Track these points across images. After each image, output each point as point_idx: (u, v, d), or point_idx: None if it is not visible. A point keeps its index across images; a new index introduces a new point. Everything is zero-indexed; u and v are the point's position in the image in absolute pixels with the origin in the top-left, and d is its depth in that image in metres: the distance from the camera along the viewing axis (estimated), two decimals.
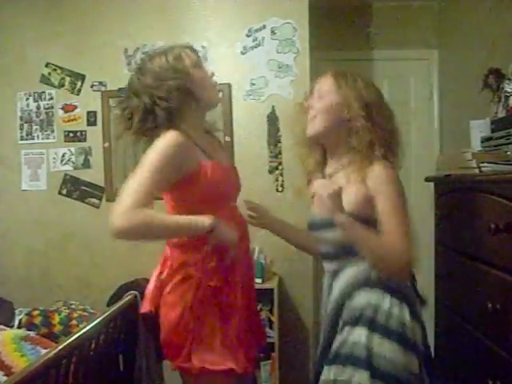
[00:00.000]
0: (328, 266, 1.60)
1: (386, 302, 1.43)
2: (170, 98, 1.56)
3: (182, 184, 1.55)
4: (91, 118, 3.23)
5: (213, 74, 1.69)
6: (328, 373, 1.43)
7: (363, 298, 1.46)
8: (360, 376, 1.36)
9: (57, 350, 1.57)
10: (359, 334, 1.41)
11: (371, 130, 1.49)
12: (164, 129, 1.55)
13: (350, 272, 1.51)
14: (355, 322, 1.44)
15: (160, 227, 1.50)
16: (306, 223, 1.68)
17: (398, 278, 1.46)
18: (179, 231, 1.56)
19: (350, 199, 1.45)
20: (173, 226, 1.52)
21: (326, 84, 1.57)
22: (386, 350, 1.38)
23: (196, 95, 1.61)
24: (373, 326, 1.41)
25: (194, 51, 1.69)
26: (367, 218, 1.44)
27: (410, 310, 1.45)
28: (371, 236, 1.41)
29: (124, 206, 1.44)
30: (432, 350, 2.37)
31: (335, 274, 1.56)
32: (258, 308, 2.96)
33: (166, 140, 1.51)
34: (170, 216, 1.59)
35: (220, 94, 3.06)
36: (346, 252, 1.51)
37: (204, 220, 1.49)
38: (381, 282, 1.45)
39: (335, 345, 1.46)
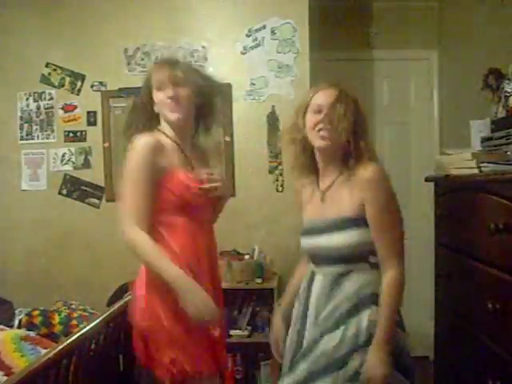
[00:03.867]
0: (326, 270, 1.60)
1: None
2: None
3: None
4: (91, 118, 3.23)
5: (173, 96, 1.68)
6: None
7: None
8: None
9: (57, 350, 1.57)
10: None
11: (366, 143, 1.56)
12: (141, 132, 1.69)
13: (357, 283, 1.53)
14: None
15: (144, 258, 1.64)
16: (303, 229, 1.69)
17: None
18: (156, 270, 1.60)
19: (347, 204, 1.53)
20: (152, 265, 1.62)
21: (337, 104, 1.55)
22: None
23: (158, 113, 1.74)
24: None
25: (169, 66, 1.71)
26: (363, 220, 1.51)
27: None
28: (388, 315, 1.46)
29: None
30: (432, 349, 2.38)
31: (337, 278, 1.56)
32: (258, 308, 2.97)
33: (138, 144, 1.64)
34: (158, 252, 1.61)
35: (221, 97, 3.10)
36: (350, 257, 1.53)
37: (174, 275, 1.56)
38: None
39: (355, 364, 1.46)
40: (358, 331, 1.47)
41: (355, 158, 1.54)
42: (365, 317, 1.48)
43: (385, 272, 1.49)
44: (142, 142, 1.62)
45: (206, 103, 1.81)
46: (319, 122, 1.56)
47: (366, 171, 1.50)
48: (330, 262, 1.58)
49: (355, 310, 1.50)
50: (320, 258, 1.62)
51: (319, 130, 1.56)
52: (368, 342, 1.45)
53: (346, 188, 1.55)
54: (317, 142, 1.58)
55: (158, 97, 1.69)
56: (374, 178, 1.49)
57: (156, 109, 1.72)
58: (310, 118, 1.58)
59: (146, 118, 1.73)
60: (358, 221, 1.51)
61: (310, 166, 1.66)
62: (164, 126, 1.74)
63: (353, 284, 1.53)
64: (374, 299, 1.49)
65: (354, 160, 1.54)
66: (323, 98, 1.57)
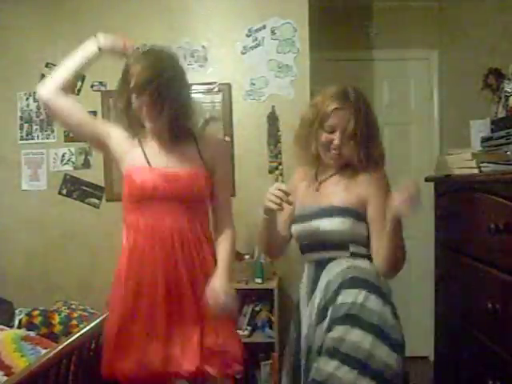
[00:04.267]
0: (313, 256, 1.66)
1: (373, 301, 1.49)
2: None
3: None
4: None
5: (144, 104, 1.60)
6: (324, 364, 1.47)
7: (351, 297, 1.50)
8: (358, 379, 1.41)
9: (57, 350, 1.57)
10: (357, 336, 1.44)
11: (375, 149, 1.61)
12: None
13: (339, 267, 1.57)
14: (346, 320, 1.48)
15: None
16: (295, 215, 1.71)
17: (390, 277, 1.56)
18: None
19: (346, 195, 1.59)
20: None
21: (346, 119, 1.57)
22: (385, 354, 1.44)
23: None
24: (371, 329, 1.45)
25: (146, 70, 1.59)
26: (362, 215, 1.57)
27: (391, 310, 1.51)
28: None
29: None
30: (432, 349, 2.38)
31: (321, 264, 1.62)
32: (258, 308, 2.97)
33: None
34: None
35: (220, 96, 3.09)
36: (336, 244, 1.59)
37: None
38: (366, 281, 1.52)
39: (329, 341, 1.48)
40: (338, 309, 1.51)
41: (363, 162, 1.58)
42: (343, 297, 1.51)
43: None
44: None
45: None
46: (331, 142, 1.58)
47: (374, 174, 1.57)
48: (316, 248, 1.64)
49: (335, 294, 1.53)
50: (308, 245, 1.67)
51: (331, 149, 1.59)
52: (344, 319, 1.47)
53: (344, 183, 1.62)
54: (327, 158, 1.63)
55: (136, 103, 1.62)
56: (379, 184, 1.57)
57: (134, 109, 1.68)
58: (323, 134, 1.60)
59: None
60: (346, 211, 1.57)
61: (315, 159, 1.68)
62: None
63: (333, 269, 1.58)
64: (352, 283, 1.52)
65: (361, 163, 1.59)
66: (337, 120, 1.57)
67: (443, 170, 2.13)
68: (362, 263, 1.56)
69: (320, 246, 1.62)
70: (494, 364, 1.57)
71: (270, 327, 2.89)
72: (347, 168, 1.63)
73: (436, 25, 3.57)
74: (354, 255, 1.58)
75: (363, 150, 1.57)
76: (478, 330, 1.73)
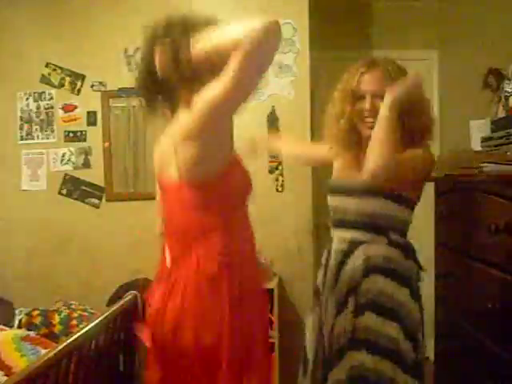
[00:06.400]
0: (343, 234, 1.60)
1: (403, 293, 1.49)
2: None
3: None
4: (91, 118, 3.23)
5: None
6: (359, 357, 1.47)
7: (380, 285, 1.49)
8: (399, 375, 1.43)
9: (57, 349, 1.57)
10: (392, 327, 1.45)
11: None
12: None
13: (368, 251, 1.53)
14: (374, 308, 1.47)
15: None
16: (329, 185, 1.67)
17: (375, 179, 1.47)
18: None
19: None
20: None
21: (379, 81, 1.55)
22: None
23: None
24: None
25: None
26: (408, 200, 1.53)
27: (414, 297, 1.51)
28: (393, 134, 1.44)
29: None
30: (432, 349, 2.38)
31: (352, 244, 1.57)
32: None
33: None
34: None
35: None
36: (366, 223, 1.54)
37: None
38: (395, 270, 1.50)
39: (359, 331, 1.48)
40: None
41: (402, 136, 1.50)
42: (369, 283, 1.50)
43: None
44: None
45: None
46: (363, 110, 1.53)
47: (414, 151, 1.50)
48: (348, 225, 1.58)
49: (362, 276, 1.51)
50: (340, 220, 1.62)
51: (364, 117, 1.53)
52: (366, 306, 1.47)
53: None
54: (364, 129, 1.56)
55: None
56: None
57: None
58: (355, 104, 1.55)
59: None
60: (388, 194, 1.50)
61: (347, 136, 1.63)
62: None
63: (362, 255, 1.53)
64: (381, 270, 1.50)
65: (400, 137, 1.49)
66: (365, 84, 1.54)
67: (443, 170, 2.13)
68: (396, 253, 1.53)
69: (354, 225, 1.56)
70: (494, 364, 1.57)
71: (270, 327, 2.89)
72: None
73: (436, 25, 3.56)
74: (391, 244, 1.53)
75: (401, 119, 1.49)
76: (477, 330, 1.73)
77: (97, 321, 1.87)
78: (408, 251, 1.57)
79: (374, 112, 1.50)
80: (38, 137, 3.28)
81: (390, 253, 1.53)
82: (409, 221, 1.58)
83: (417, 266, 1.60)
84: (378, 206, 1.51)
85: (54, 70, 3.26)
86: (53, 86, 3.26)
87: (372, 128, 1.50)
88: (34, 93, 3.27)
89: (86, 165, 3.25)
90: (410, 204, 1.57)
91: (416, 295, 1.54)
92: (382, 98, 1.48)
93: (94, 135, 3.23)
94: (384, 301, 1.48)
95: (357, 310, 1.49)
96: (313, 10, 3.10)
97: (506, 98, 2.00)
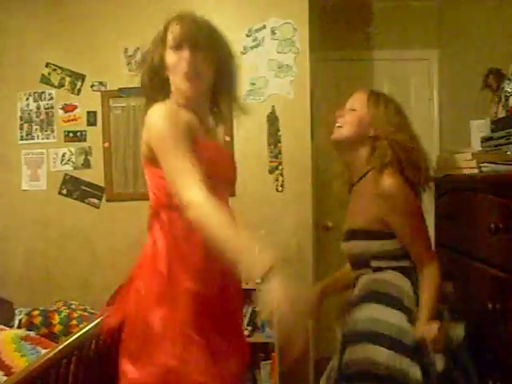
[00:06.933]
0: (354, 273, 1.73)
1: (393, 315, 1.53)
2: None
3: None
4: (91, 118, 3.23)
5: (190, 61, 1.38)
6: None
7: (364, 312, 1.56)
8: None
9: (57, 349, 1.57)
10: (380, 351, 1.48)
11: (394, 149, 1.58)
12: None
13: (361, 284, 1.64)
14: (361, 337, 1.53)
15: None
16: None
17: None
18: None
19: (362, 216, 1.63)
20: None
21: (360, 99, 1.65)
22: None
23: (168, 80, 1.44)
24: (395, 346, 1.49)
25: (186, 23, 1.48)
26: (379, 233, 1.59)
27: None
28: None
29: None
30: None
31: (356, 280, 1.69)
32: (258, 308, 2.97)
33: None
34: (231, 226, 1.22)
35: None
36: (361, 263, 1.65)
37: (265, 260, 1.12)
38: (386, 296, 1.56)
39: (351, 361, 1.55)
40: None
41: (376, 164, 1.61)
42: (363, 311, 1.56)
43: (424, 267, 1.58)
44: (162, 106, 1.34)
45: (225, 75, 1.48)
46: (338, 117, 1.67)
47: (386, 188, 1.56)
48: (352, 266, 1.73)
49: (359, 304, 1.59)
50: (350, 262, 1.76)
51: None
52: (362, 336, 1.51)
53: (361, 200, 1.66)
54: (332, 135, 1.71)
55: (172, 58, 1.40)
56: (394, 202, 1.56)
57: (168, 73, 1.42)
58: None
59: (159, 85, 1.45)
60: (365, 233, 1.61)
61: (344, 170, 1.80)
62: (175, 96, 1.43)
63: (359, 285, 1.65)
64: (373, 296, 1.57)
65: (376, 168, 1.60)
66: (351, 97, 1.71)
67: (443, 170, 2.13)
68: (386, 275, 1.59)
69: (352, 265, 1.72)
70: (494, 364, 1.57)
71: (270, 327, 2.89)
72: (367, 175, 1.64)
73: (436, 25, 3.57)
74: (377, 270, 1.61)
75: (377, 153, 1.60)
76: (478, 330, 1.73)
77: (97, 321, 1.87)
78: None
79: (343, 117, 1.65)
80: (38, 137, 3.28)
81: (377, 277, 1.61)
82: (393, 249, 1.62)
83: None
84: (359, 245, 1.63)
85: (54, 70, 3.26)
86: (53, 86, 3.26)
87: (336, 135, 1.67)
88: (34, 93, 3.27)
89: (86, 165, 3.25)
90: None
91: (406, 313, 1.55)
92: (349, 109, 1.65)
93: (94, 135, 3.23)
94: (370, 326, 1.52)
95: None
96: (313, 10, 3.10)
97: (506, 98, 2.00)
